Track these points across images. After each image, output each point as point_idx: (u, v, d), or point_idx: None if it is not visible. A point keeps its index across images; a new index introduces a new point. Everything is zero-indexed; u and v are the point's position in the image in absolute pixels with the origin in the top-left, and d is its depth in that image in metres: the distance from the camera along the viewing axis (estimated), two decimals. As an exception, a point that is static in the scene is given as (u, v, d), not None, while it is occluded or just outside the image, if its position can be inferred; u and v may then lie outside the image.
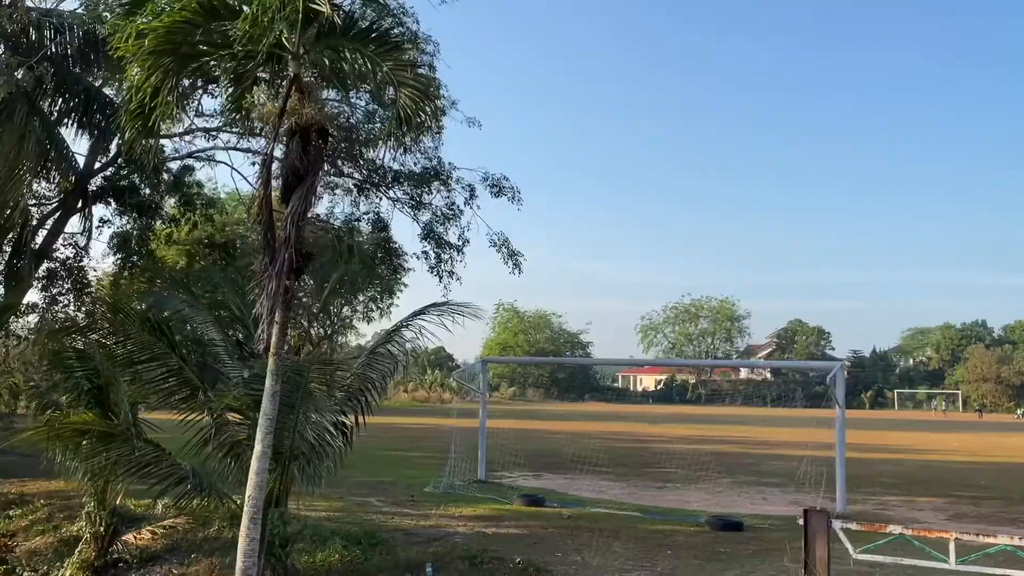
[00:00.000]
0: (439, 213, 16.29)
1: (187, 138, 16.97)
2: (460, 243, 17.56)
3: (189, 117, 13.79)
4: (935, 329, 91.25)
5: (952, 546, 5.67)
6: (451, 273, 17.08)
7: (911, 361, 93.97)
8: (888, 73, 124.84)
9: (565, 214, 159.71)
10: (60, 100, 12.46)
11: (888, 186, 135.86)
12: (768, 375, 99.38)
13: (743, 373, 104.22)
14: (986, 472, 19.60)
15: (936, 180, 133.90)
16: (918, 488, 15.79)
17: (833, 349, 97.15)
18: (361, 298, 55.34)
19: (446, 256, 16.76)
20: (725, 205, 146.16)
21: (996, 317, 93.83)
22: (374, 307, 56.17)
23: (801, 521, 6.33)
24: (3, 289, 14.78)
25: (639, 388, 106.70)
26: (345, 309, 59.55)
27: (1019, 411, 68.47)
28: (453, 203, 15.98)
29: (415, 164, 15.60)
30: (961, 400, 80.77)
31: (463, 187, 15.75)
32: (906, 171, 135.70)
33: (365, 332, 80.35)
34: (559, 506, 12.05)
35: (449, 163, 15.79)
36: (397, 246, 18.91)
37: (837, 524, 6.17)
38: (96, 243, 18.27)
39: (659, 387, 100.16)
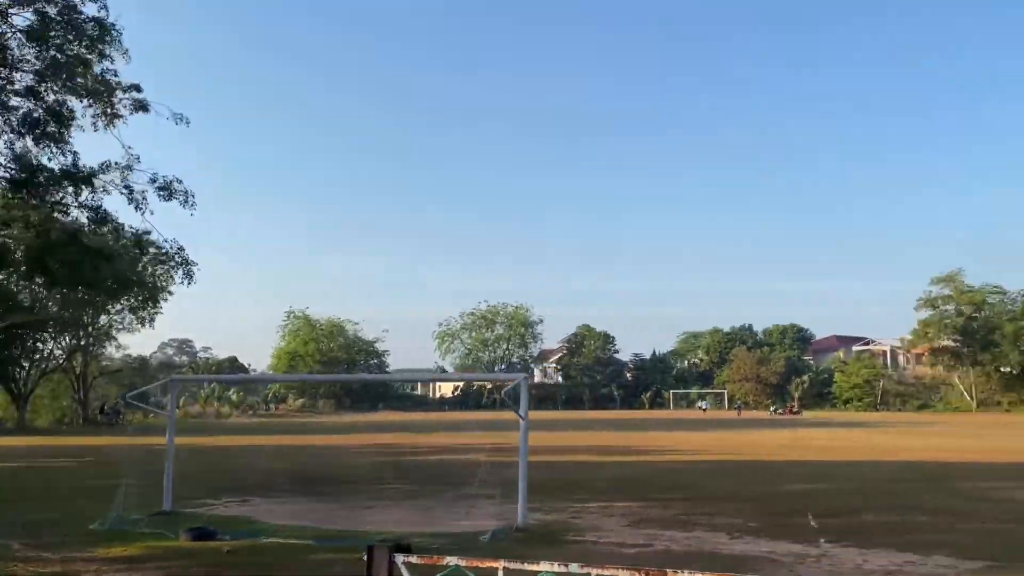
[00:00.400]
0: (88, 217, 14.77)
1: None
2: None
3: None
4: (706, 333, 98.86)
5: (500, 574, 5.33)
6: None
7: (686, 363, 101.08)
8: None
9: (366, 218, 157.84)
10: None
11: (664, 198, 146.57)
12: (559, 379, 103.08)
13: (536, 377, 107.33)
14: (704, 471, 20.74)
15: (707, 193, 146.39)
16: (628, 491, 16.27)
17: (617, 352, 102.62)
18: (119, 307, 51.13)
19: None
20: (524, 213, 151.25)
21: (760, 321, 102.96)
22: (134, 316, 52.24)
23: (365, 556, 5.77)
24: None
25: (438, 395, 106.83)
26: (102, 319, 54.74)
27: (772, 408, 75.33)
28: (99, 207, 14.54)
29: (49, 159, 13.97)
30: (727, 399, 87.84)
31: (120, 190, 14.34)
32: (680, 185, 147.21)
33: (127, 343, 73.94)
34: (230, 539, 11.05)
35: (111, 162, 14.31)
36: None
37: (400, 558, 5.66)
38: None
39: (456, 393, 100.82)
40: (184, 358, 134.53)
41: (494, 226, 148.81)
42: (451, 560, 6.23)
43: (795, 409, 73.83)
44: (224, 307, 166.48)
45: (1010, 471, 20.39)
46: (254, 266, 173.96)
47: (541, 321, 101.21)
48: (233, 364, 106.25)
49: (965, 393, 79.77)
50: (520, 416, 11.56)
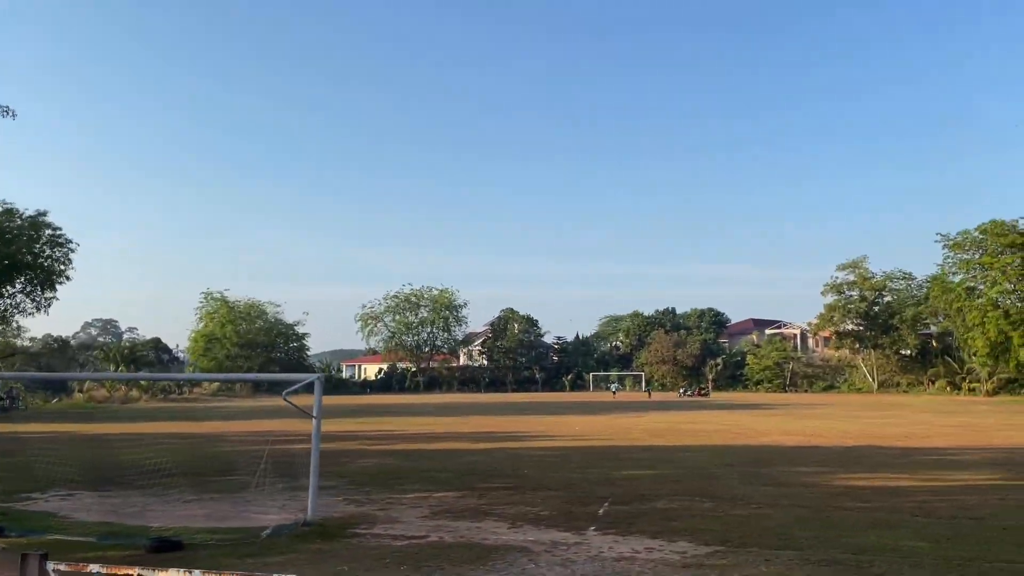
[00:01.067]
0: None
1: None
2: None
3: None
4: (626, 316, 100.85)
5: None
6: None
7: (607, 346, 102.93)
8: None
9: (293, 199, 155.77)
10: None
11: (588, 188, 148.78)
12: (484, 361, 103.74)
13: (462, 359, 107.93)
14: (552, 458, 21.25)
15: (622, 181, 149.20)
16: (462, 480, 16.75)
17: (542, 335, 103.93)
18: (11, 290, 49.59)
19: None
20: (448, 199, 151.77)
21: (683, 305, 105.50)
22: (28, 300, 50.74)
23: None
24: None
25: (362, 377, 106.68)
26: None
27: (680, 390, 77.40)
28: None
29: None
30: (644, 380, 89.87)
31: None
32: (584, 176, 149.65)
33: (28, 326, 71.99)
34: (16, 535, 11.19)
35: None
36: None
37: (50, 566, 5.98)
38: None
39: (379, 376, 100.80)
40: (109, 338, 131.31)
41: (425, 211, 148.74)
42: (93, 567, 6.61)
43: (703, 391, 76.06)
44: (151, 287, 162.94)
45: (841, 456, 21.63)
46: (182, 246, 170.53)
47: (466, 304, 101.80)
48: (157, 345, 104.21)
49: (867, 375, 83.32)
50: (313, 416, 11.91)
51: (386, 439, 28.00)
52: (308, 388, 12.85)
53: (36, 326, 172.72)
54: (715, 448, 23.76)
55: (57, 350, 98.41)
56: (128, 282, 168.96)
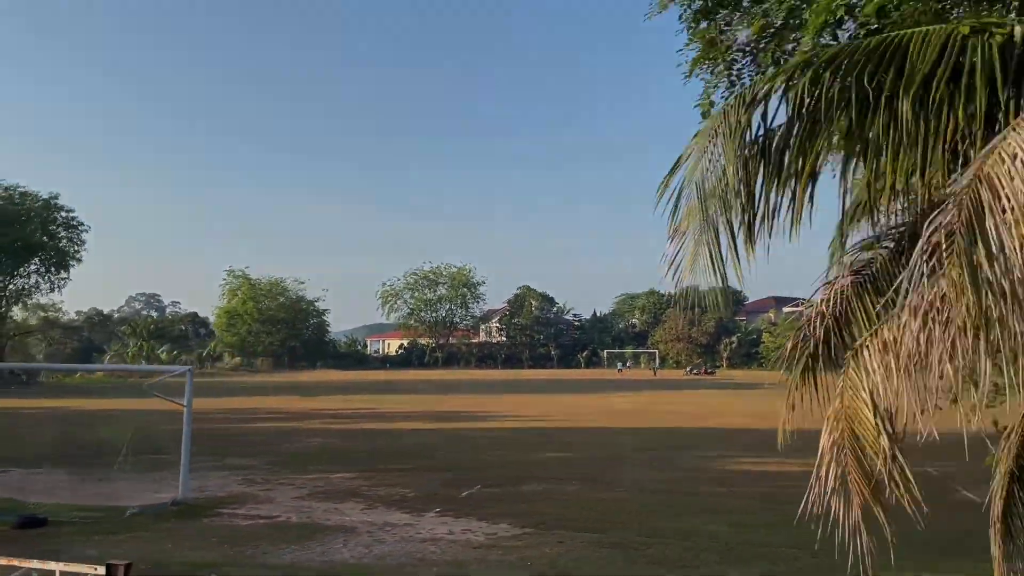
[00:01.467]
0: None
1: None
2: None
3: None
4: (642, 295, 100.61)
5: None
6: None
7: (623, 324, 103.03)
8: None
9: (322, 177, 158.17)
10: None
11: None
12: (503, 337, 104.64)
13: (481, 335, 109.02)
14: (488, 439, 22.07)
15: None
16: (378, 461, 17.61)
17: (562, 313, 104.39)
18: (27, 269, 51.78)
19: None
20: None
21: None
22: (41, 280, 52.93)
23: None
24: None
25: (384, 353, 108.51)
26: (17, 281, 55.25)
27: (688, 368, 77.38)
28: None
29: None
30: (659, 358, 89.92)
31: None
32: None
33: (68, 301, 75.23)
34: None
35: None
36: None
37: None
38: None
39: (399, 351, 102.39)
40: (153, 313, 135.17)
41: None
42: None
43: (708, 370, 75.93)
44: (193, 262, 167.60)
45: (764, 440, 21.95)
46: (222, 222, 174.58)
47: (483, 282, 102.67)
48: (194, 319, 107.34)
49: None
50: (183, 405, 12.83)
51: (351, 418, 29.09)
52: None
53: (84, 300, 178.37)
54: (656, 431, 24.35)
55: (98, 323, 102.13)
56: (174, 256, 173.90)
